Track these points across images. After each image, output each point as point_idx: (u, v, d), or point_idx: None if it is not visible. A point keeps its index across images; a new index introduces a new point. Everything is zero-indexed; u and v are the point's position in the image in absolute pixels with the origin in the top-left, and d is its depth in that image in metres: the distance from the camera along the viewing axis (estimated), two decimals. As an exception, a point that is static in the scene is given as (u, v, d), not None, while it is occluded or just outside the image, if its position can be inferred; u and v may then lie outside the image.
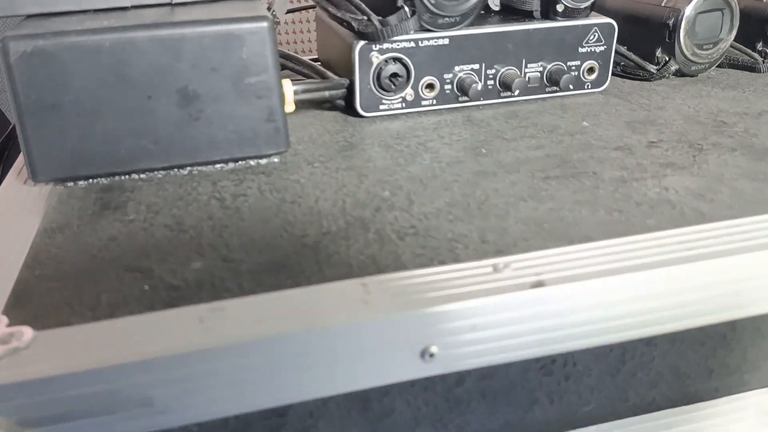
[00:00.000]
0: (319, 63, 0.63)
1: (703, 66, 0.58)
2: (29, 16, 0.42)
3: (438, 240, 0.34)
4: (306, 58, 0.64)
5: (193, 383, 0.27)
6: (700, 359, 0.37)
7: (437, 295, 0.30)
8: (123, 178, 0.42)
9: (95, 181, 0.42)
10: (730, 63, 0.61)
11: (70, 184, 0.42)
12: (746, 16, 0.58)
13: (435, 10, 0.48)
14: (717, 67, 0.60)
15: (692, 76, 0.60)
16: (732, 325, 0.37)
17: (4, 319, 0.28)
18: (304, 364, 0.28)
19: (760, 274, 0.33)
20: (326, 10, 0.51)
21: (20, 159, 0.46)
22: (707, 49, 0.57)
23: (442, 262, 0.32)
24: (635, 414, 0.38)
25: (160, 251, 0.34)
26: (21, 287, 0.31)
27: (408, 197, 0.39)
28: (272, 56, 0.41)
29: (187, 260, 0.33)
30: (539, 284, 0.29)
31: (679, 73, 0.59)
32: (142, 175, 0.43)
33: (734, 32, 0.57)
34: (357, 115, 0.52)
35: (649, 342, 0.35)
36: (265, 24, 0.40)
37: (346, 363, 0.29)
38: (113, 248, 0.35)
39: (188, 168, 0.43)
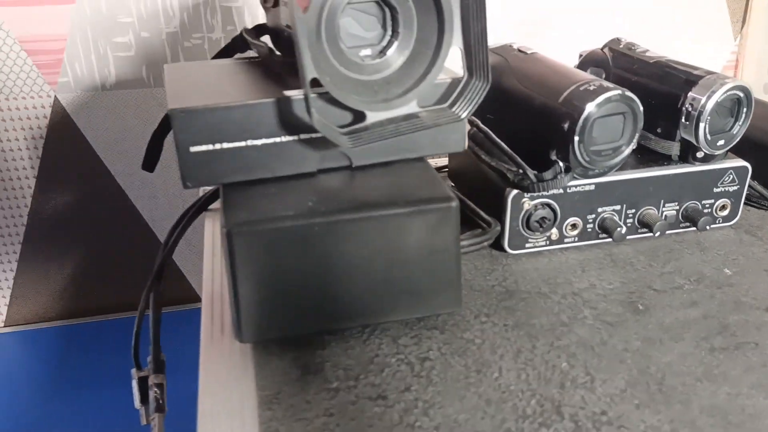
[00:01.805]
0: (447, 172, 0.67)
1: (830, 198, 0.61)
2: (226, 185, 0.46)
3: None
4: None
5: None
6: None
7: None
8: (312, 335, 0.46)
9: (288, 338, 0.46)
10: None
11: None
12: None
13: (587, 166, 0.51)
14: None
15: (818, 206, 0.62)
16: None
17: None
18: None
19: None
20: (476, 155, 0.55)
21: (206, 309, 0.50)
22: (835, 184, 0.59)
23: (645, 463, 0.35)
24: None
25: (376, 432, 0.38)
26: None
27: (586, 370, 0.42)
28: (456, 231, 0.44)
29: (404, 445, 0.37)
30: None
31: (805, 203, 0.61)
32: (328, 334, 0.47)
33: None
34: (501, 249, 0.55)
35: None
36: (452, 204, 0.43)
37: None
38: (332, 427, 0.39)
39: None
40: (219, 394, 0.42)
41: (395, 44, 0.46)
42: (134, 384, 0.59)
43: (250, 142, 0.45)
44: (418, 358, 0.44)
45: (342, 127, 0.45)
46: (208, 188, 0.65)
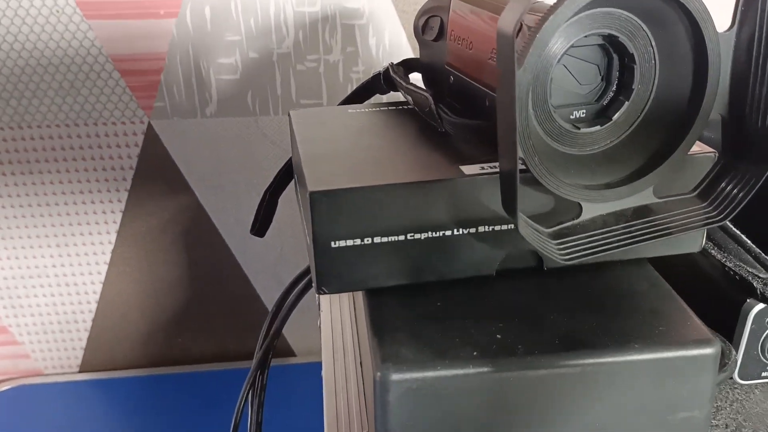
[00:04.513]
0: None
1: None
2: (371, 293, 0.33)
3: None
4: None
5: None
6: None
7: None
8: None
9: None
10: None
11: None
12: None
13: None
14: None
15: None
16: None
17: None
18: None
19: None
20: (708, 255, 0.40)
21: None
22: None
23: None
24: None
25: None
26: None
27: None
28: (713, 389, 0.30)
29: None
30: None
31: None
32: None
33: None
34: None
35: None
36: (713, 350, 0.29)
37: None
38: None
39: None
40: None
41: (625, 105, 0.32)
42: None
43: (410, 236, 0.32)
44: None
45: (544, 222, 0.31)
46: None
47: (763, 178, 0.31)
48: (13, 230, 0.76)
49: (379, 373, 0.28)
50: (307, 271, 0.50)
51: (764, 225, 0.41)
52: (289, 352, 0.86)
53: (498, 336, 0.30)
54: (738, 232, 0.39)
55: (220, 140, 0.74)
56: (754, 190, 0.31)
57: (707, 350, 0.29)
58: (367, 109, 0.43)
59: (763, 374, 0.40)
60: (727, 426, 0.38)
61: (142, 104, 0.71)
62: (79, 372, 0.84)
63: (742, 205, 0.31)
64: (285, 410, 0.80)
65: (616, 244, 0.30)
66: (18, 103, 0.70)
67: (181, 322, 0.83)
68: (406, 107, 0.43)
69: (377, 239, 0.32)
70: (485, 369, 0.28)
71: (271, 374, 0.88)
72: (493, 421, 0.29)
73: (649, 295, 0.32)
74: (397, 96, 0.44)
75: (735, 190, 0.31)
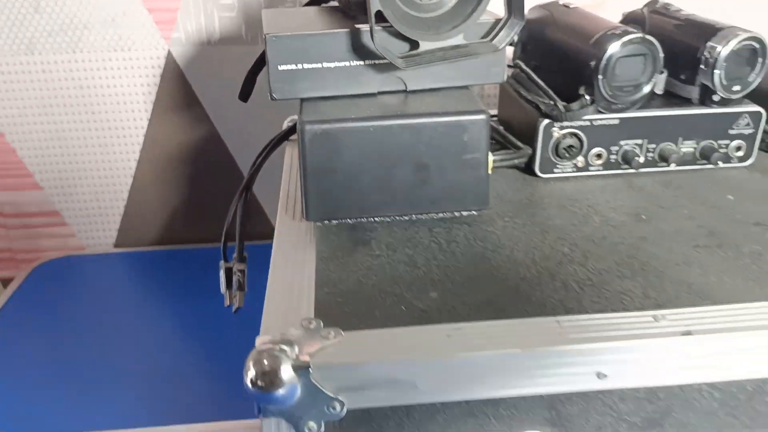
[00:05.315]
0: (498, 119, 0.77)
1: (843, 148, 0.66)
2: (304, 99, 0.57)
3: (610, 292, 0.46)
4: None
5: (442, 376, 0.41)
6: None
7: (612, 334, 0.42)
8: (363, 220, 0.57)
9: (343, 221, 0.57)
10: None
11: (327, 222, 0.57)
12: None
13: (611, 100, 0.60)
14: None
15: (833, 155, 0.67)
16: None
17: (321, 322, 0.43)
18: (512, 373, 0.41)
19: None
20: (516, 91, 0.64)
21: (282, 202, 0.62)
22: None
23: (614, 310, 0.44)
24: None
25: (404, 282, 0.48)
26: (318, 302, 0.46)
27: (584, 254, 0.51)
28: (486, 139, 0.54)
29: (426, 290, 0.47)
30: (687, 333, 0.41)
31: (820, 153, 0.67)
32: (377, 219, 0.57)
33: None
34: (534, 175, 0.64)
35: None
36: (483, 117, 0.53)
37: (542, 376, 0.42)
38: (371, 276, 0.49)
39: (410, 216, 0.57)
40: (288, 254, 0.53)
41: (449, -12, 0.56)
42: (221, 273, 0.71)
43: (325, 65, 0.56)
44: (447, 240, 0.54)
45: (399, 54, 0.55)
46: (286, 124, 0.77)
47: (521, 25, 0.55)
48: (66, 132, 1.01)
49: (300, 126, 0.53)
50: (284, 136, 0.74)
51: (560, 79, 0.65)
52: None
53: (369, 112, 0.54)
54: (536, 78, 0.63)
55: (223, 63, 0.98)
56: (517, 34, 0.55)
57: (480, 116, 0.53)
58: (314, 7, 0.67)
59: (555, 170, 0.64)
60: (524, 194, 0.62)
61: (164, 35, 0.96)
62: (114, 248, 1.09)
63: (510, 40, 0.55)
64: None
65: (436, 60, 0.54)
66: (73, 33, 0.95)
67: (195, 209, 1.08)
68: (337, 7, 0.67)
69: (306, 65, 0.56)
70: (362, 123, 0.53)
71: (253, 252, 1.12)
72: (363, 157, 0.53)
73: (459, 97, 0.56)
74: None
75: (508, 33, 0.55)
